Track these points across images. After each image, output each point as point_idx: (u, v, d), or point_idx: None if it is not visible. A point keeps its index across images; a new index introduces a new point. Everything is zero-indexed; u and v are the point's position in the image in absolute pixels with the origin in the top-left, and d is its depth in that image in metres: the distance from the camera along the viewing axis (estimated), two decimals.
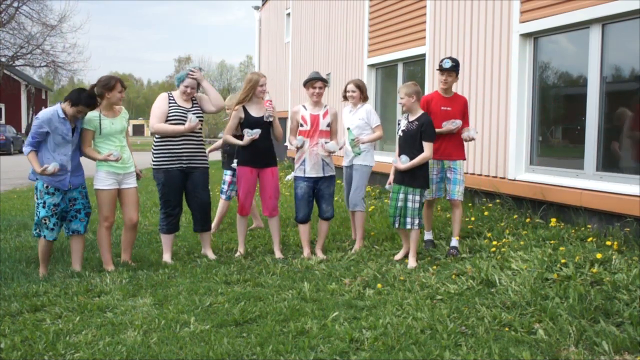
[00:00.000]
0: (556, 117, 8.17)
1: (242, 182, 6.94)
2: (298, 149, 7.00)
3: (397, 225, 6.61)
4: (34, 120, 5.93)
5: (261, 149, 6.88)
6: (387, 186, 6.76)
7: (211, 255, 6.91)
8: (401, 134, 6.62)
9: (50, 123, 5.86)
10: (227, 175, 8.31)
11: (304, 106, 7.12)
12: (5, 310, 5.03)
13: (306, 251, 7.08)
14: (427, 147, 6.42)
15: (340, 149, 7.05)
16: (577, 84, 7.65)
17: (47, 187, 5.97)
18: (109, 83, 6.19)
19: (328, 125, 7.04)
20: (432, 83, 10.13)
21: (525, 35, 8.05)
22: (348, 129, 7.22)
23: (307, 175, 6.98)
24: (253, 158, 6.89)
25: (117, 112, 6.39)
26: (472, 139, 7.01)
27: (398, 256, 6.80)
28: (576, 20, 7.18)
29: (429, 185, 6.68)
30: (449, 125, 6.87)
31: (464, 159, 7.11)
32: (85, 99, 5.96)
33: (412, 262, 6.50)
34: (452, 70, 6.92)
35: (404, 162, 6.44)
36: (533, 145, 8.14)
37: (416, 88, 6.52)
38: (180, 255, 6.95)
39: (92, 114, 6.20)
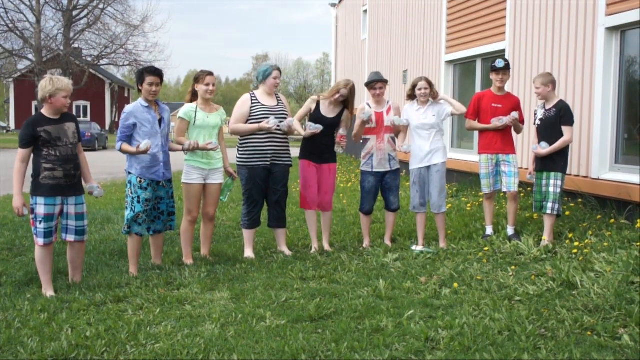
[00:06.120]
0: None
1: (302, 175, 7.13)
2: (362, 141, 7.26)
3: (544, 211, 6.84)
4: (121, 117, 6.12)
5: (320, 145, 7.04)
6: (528, 176, 7.04)
7: (287, 251, 6.97)
8: (539, 123, 6.89)
9: (135, 113, 6.01)
10: None
11: (368, 104, 7.29)
12: (90, 300, 5.24)
13: (366, 241, 7.40)
14: (568, 131, 6.66)
15: (406, 153, 7.20)
16: None
17: (140, 181, 6.03)
18: (198, 75, 6.54)
19: None
20: (512, 78, 9.85)
21: (612, 29, 7.73)
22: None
23: (374, 170, 7.23)
24: (312, 153, 7.06)
25: (214, 109, 6.62)
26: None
27: (543, 243, 6.80)
28: None
29: (566, 171, 6.82)
30: (496, 122, 7.21)
31: (515, 154, 7.37)
32: (145, 68, 6.30)
33: (545, 242, 6.66)
34: (506, 69, 7.31)
35: (544, 148, 6.66)
36: (618, 143, 7.82)
37: (551, 77, 6.82)
38: (257, 251, 7.04)
39: (190, 106, 6.50)
